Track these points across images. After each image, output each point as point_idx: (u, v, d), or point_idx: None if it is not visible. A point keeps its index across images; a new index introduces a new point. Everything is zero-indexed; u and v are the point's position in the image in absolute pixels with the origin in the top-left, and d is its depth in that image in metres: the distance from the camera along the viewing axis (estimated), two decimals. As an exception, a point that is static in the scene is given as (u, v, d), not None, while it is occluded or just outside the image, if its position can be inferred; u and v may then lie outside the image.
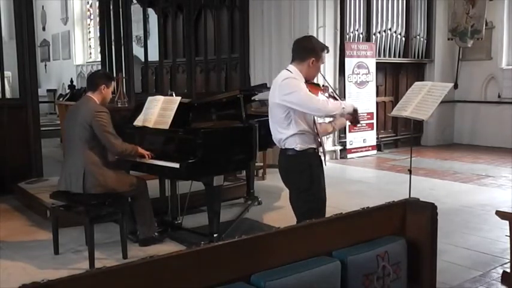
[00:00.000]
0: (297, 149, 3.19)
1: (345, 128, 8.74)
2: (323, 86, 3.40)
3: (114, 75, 7.43)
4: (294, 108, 3.13)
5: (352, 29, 8.87)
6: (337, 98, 3.48)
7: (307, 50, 3.24)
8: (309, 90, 3.19)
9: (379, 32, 9.35)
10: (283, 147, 3.26)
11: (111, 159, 4.20)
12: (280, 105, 3.17)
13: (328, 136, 8.54)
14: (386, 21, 9.41)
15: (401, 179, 6.67)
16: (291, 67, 3.26)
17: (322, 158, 3.33)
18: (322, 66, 3.46)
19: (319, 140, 3.28)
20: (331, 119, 3.50)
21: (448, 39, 10.12)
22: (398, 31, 9.65)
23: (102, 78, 4.26)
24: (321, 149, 3.34)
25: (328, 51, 3.34)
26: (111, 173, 4.11)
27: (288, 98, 3.13)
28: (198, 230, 4.61)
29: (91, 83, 4.26)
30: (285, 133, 3.20)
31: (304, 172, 3.23)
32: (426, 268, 2.39)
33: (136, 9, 9.13)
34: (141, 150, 4.19)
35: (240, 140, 4.30)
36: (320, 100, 3.18)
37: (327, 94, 3.34)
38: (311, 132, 3.23)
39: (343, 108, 3.25)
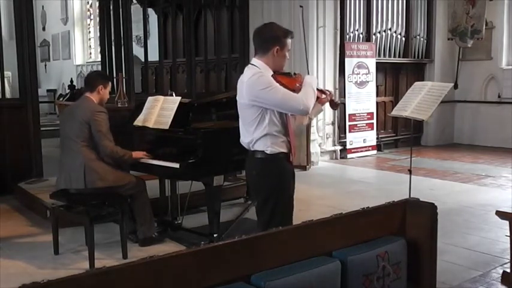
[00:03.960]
0: (268, 152, 2.94)
1: (345, 127, 8.76)
2: (295, 73, 3.14)
3: (114, 75, 7.45)
4: (267, 107, 2.88)
5: (352, 29, 8.87)
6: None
7: (268, 39, 2.94)
8: (281, 82, 2.95)
9: (379, 32, 9.35)
10: (252, 150, 3.00)
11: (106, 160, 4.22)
12: (251, 105, 2.91)
13: (328, 136, 8.58)
14: (386, 21, 9.41)
15: (401, 179, 6.67)
16: (255, 61, 2.98)
17: (291, 159, 3.06)
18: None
19: (291, 143, 3.02)
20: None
21: (448, 39, 10.12)
22: (398, 31, 9.65)
23: (99, 79, 4.32)
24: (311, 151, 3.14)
25: (292, 37, 3.03)
26: (110, 167, 4.16)
27: (261, 96, 2.85)
28: (198, 230, 4.61)
29: (88, 84, 4.32)
30: (255, 134, 2.95)
31: (272, 177, 2.99)
32: (426, 268, 2.39)
33: (136, 9, 9.13)
34: (135, 154, 4.20)
35: (240, 140, 4.30)
36: (298, 96, 2.89)
37: (299, 86, 3.07)
38: (283, 134, 2.98)
39: (315, 90, 2.98)
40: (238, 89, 3.00)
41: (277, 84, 2.89)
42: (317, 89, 3.19)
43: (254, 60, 3.00)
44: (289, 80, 3.06)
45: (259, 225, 3.06)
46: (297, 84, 3.08)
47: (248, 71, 2.98)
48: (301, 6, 3.21)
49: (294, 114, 3.00)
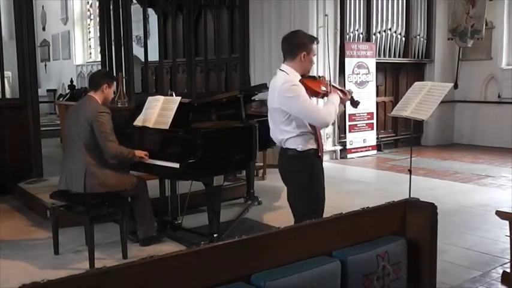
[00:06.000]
0: (299, 149, 3.18)
1: (345, 128, 8.76)
2: (319, 76, 3.34)
3: (114, 75, 7.46)
4: (292, 113, 3.13)
5: (352, 29, 8.87)
6: (338, 88, 3.41)
7: (295, 46, 3.20)
8: (309, 86, 3.15)
9: (379, 32, 9.35)
10: (284, 147, 3.25)
11: (110, 161, 4.20)
12: (280, 109, 3.16)
13: (328, 136, 8.57)
14: (386, 21, 9.41)
15: (401, 179, 6.67)
16: (285, 66, 3.22)
17: (320, 154, 3.31)
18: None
19: (319, 140, 3.27)
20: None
21: (448, 39, 10.12)
22: (398, 31, 9.65)
23: (104, 78, 4.27)
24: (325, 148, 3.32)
25: (318, 42, 3.30)
26: (111, 172, 4.12)
27: (288, 104, 3.10)
28: (198, 230, 4.61)
29: (93, 83, 4.26)
30: (286, 134, 3.19)
31: (305, 172, 3.22)
32: (426, 268, 2.39)
33: (136, 9, 9.13)
34: (138, 153, 4.18)
35: (240, 140, 4.30)
36: (321, 110, 3.16)
37: (324, 88, 3.28)
38: (312, 132, 3.22)
39: (337, 109, 3.24)
40: (270, 93, 3.26)
41: (306, 96, 3.11)
42: (338, 89, 3.37)
43: (283, 66, 3.23)
44: (315, 83, 3.25)
45: (296, 217, 3.25)
46: (322, 87, 3.27)
47: (280, 77, 3.20)
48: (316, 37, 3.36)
49: (312, 123, 3.19)
